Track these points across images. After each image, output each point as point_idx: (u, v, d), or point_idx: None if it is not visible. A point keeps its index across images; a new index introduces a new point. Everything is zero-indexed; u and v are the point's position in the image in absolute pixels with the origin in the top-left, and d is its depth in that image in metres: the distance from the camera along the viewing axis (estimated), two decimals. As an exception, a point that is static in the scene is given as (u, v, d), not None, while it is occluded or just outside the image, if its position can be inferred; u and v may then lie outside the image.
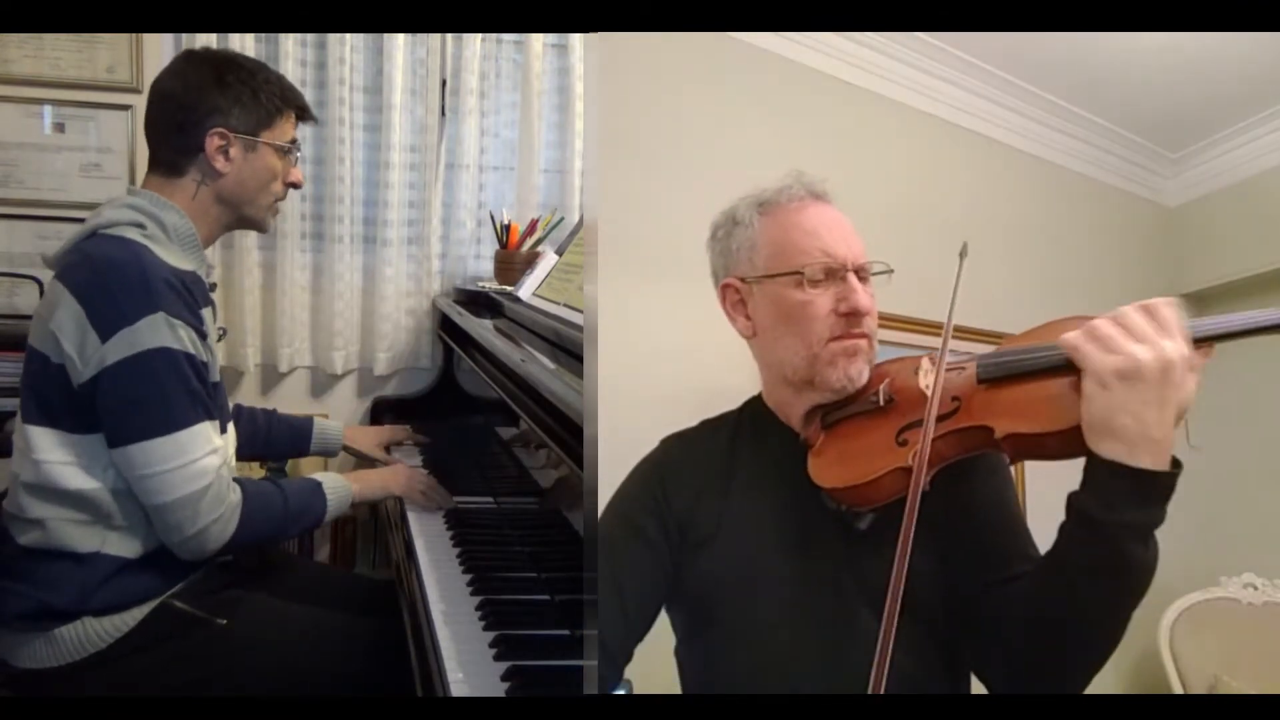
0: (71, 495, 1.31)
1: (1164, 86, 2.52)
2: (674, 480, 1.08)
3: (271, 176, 1.49)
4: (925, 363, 1.01)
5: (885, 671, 0.76)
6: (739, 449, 1.09)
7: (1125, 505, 0.79)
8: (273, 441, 1.86)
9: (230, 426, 1.52)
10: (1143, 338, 0.79)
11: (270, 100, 1.46)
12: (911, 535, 0.81)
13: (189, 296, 1.33)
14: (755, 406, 1.14)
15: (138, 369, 1.27)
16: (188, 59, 1.47)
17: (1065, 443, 0.84)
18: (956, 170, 2.50)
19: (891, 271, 1.07)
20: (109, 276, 1.29)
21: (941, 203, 2.41)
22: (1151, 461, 0.79)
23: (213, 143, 1.41)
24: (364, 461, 2.02)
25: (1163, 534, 0.83)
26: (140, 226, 1.35)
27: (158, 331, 1.27)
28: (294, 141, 1.52)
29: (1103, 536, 0.80)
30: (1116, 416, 0.78)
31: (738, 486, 1.06)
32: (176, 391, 1.29)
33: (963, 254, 1.03)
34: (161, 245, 1.36)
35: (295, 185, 1.54)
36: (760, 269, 1.05)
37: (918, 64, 2.35)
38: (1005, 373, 0.91)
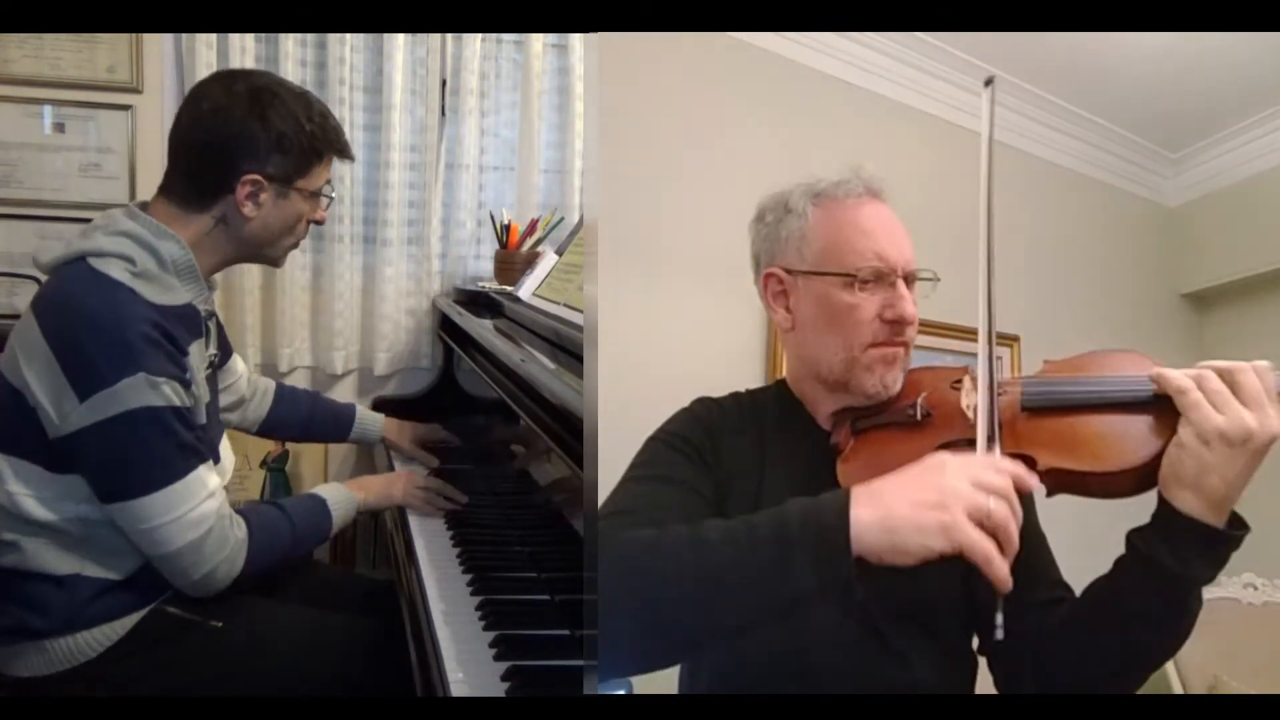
0: (43, 525, 1.27)
1: (1164, 87, 2.52)
2: (717, 436, 1.03)
3: (298, 220, 1.42)
4: (966, 381, 0.97)
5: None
6: (768, 440, 1.05)
7: (1198, 560, 0.79)
8: (314, 425, 1.86)
9: (225, 447, 1.49)
10: (1256, 405, 0.77)
11: (312, 144, 1.37)
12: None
13: (171, 346, 1.26)
14: (781, 392, 1.10)
15: (121, 430, 1.21)
16: (229, 87, 1.35)
17: (1108, 484, 0.82)
18: (954, 169, 2.50)
19: (938, 280, 1.03)
20: (85, 332, 1.21)
21: (940, 201, 2.41)
22: (1221, 522, 0.79)
23: (244, 190, 1.33)
24: (364, 460, 2.02)
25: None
26: (129, 261, 1.27)
27: (139, 393, 1.21)
28: (328, 183, 1.44)
29: (1170, 587, 0.81)
30: (1207, 476, 0.77)
31: (768, 482, 1.02)
32: (164, 447, 1.24)
33: (988, 82, 0.96)
34: (151, 281, 1.28)
35: (318, 223, 1.47)
36: (809, 263, 1.01)
37: (918, 64, 2.36)
38: (1054, 403, 0.88)
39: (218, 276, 1.46)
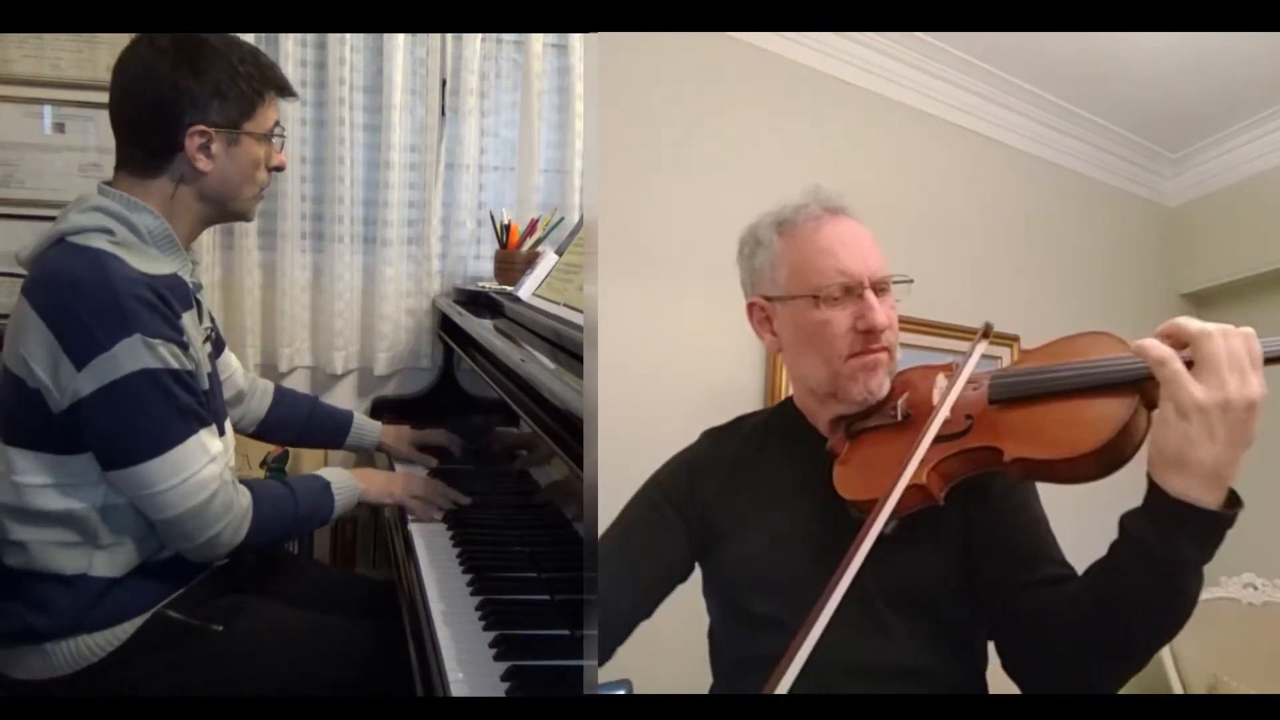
0: (55, 516, 1.27)
1: (1164, 86, 2.52)
2: (701, 474, 1.13)
3: (255, 167, 1.40)
4: (941, 379, 1.02)
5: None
6: (769, 449, 1.14)
7: (1188, 544, 0.78)
8: (312, 429, 1.86)
9: (228, 428, 1.50)
10: (1237, 369, 0.76)
11: (250, 86, 1.36)
12: (867, 547, 0.83)
13: (165, 308, 1.26)
14: (787, 407, 1.18)
15: (120, 395, 1.21)
16: (153, 48, 1.34)
17: (1074, 469, 0.83)
18: (955, 169, 2.50)
19: (911, 282, 1.07)
20: (77, 300, 1.21)
21: (940, 201, 2.41)
22: (1216, 501, 0.77)
23: (193, 143, 1.33)
24: (365, 461, 2.02)
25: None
26: (108, 233, 1.27)
27: (136, 355, 1.21)
28: (277, 124, 1.43)
29: (1162, 571, 0.80)
30: (1193, 450, 0.76)
31: (766, 486, 1.09)
32: (165, 410, 1.24)
33: (986, 334, 1.01)
34: (133, 251, 1.29)
35: (279, 168, 1.46)
36: (781, 289, 1.07)
37: (918, 64, 2.35)
38: (1017, 394, 0.91)
39: (200, 249, 1.44)
